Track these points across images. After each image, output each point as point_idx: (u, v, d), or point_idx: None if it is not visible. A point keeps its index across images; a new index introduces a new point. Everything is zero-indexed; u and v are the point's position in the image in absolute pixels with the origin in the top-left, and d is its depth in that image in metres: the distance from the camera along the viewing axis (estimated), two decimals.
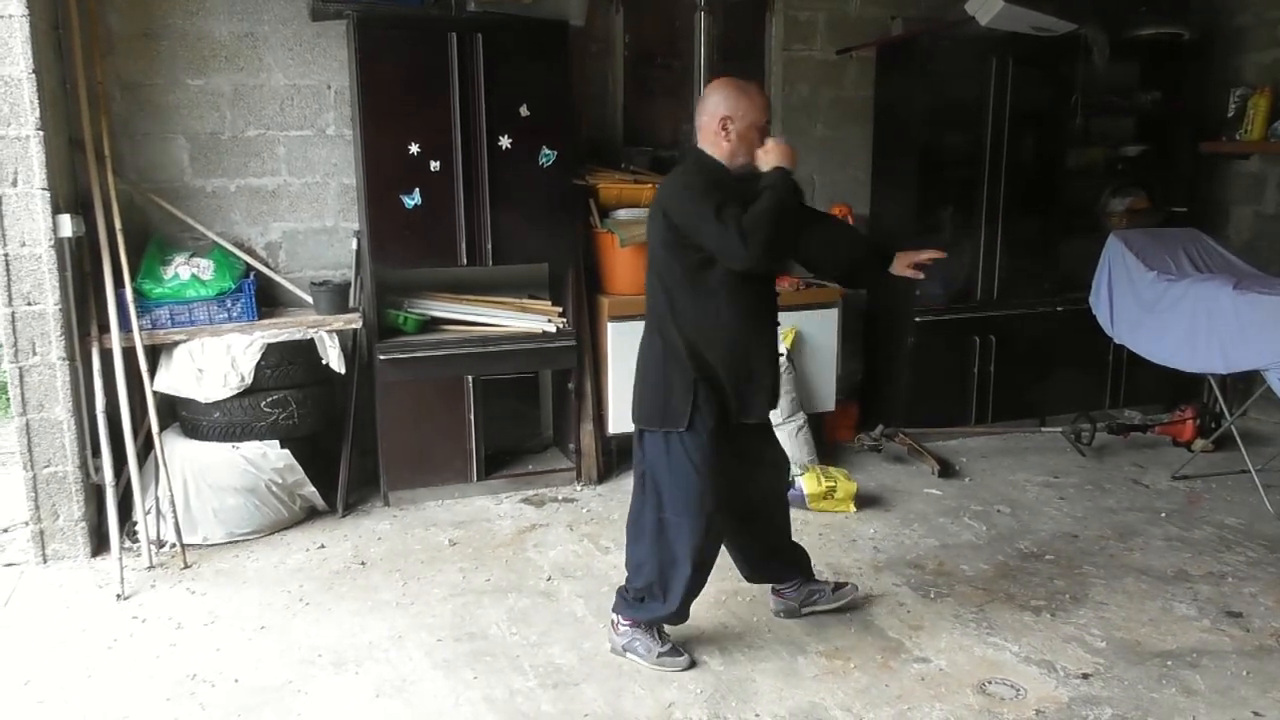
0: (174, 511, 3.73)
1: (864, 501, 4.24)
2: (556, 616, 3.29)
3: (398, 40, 3.97)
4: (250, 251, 4.29)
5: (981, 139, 4.93)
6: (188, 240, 4.18)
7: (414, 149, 4.03)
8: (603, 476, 4.57)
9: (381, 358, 4.13)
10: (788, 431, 4.51)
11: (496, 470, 4.46)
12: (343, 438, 4.23)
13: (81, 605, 3.38)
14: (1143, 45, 5.27)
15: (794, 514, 3.31)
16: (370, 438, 4.30)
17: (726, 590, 3.37)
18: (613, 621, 3.04)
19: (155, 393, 3.80)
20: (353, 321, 4.10)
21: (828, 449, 4.87)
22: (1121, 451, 4.95)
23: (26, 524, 3.74)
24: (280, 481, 3.93)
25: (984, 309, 5.12)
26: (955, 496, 4.39)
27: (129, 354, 3.73)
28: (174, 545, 3.72)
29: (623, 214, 4.46)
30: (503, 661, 3.01)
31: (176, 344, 3.86)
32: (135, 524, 3.73)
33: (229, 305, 3.92)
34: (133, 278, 3.79)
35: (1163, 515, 4.15)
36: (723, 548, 3.06)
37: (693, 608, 3.01)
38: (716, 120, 2.81)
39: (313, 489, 4.05)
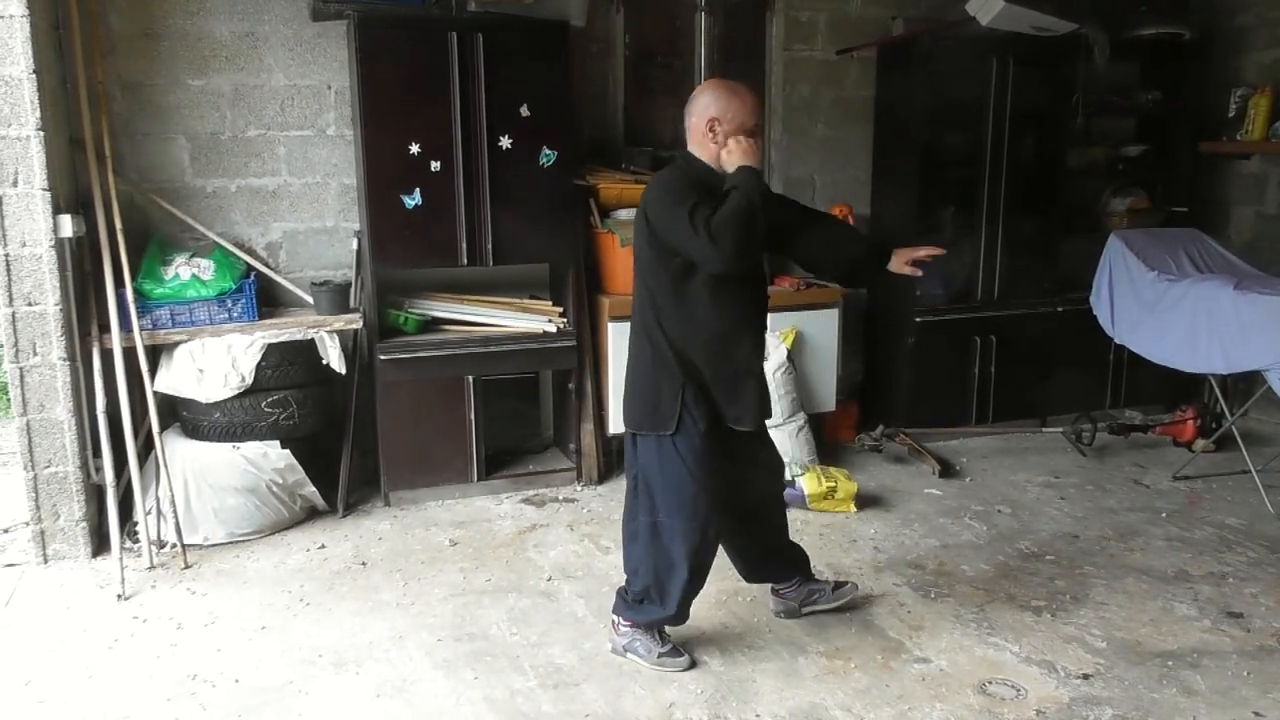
0: (174, 512, 3.73)
1: (864, 502, 4.23)
2: (557, 617, 3.29)
3: (398, 40, 3.97)
4: (251, 251, 4.29)
5: (982, 139, 4.93)
6: (188, 240, 4.18)
7: (414, 149, 4.03)
8: (603, 476, 4.57)
9: (382, 358, 4.14)
10: (788, 432, 4.51)
11: (497, 470, 4.46)
12: (343, 438, 4.23)
13: (82, 605, 3.38)
14: (1143, 45, 5.26)
15: (795, 514, 3.31)
16: (371, 438, 4.30)
17: (727, 590, 3.37)
18: (613, 622, 3.04)
19: (156, 393, 3.80)
20: (353, 321, 4.10)
21: (828, 449, 4.87)
22: (1122, 452, 4.95)
23: (27, 524, 3.74)
24: (281, 481, 3.93)
25: (985, 309, 5.12)
26: (956, 497, 4.39)
27: (129, 354, 3.73)
28: (174, 545, 3.72)
29: (623, 214, 4.46)
30: (503, 662, 3.01)
31: (177, 344, 3.87)
32: (136, 524, 3.73)
33: (229, 305, 3.92)
34: (133, 278, 3.79)
35: (1163, 515, 4.15)
36: (720, 548, 3.05)
37: (693, 608, 3.01)
38: (704, 121, 2.77)
39: (313, 489, 4.06)
